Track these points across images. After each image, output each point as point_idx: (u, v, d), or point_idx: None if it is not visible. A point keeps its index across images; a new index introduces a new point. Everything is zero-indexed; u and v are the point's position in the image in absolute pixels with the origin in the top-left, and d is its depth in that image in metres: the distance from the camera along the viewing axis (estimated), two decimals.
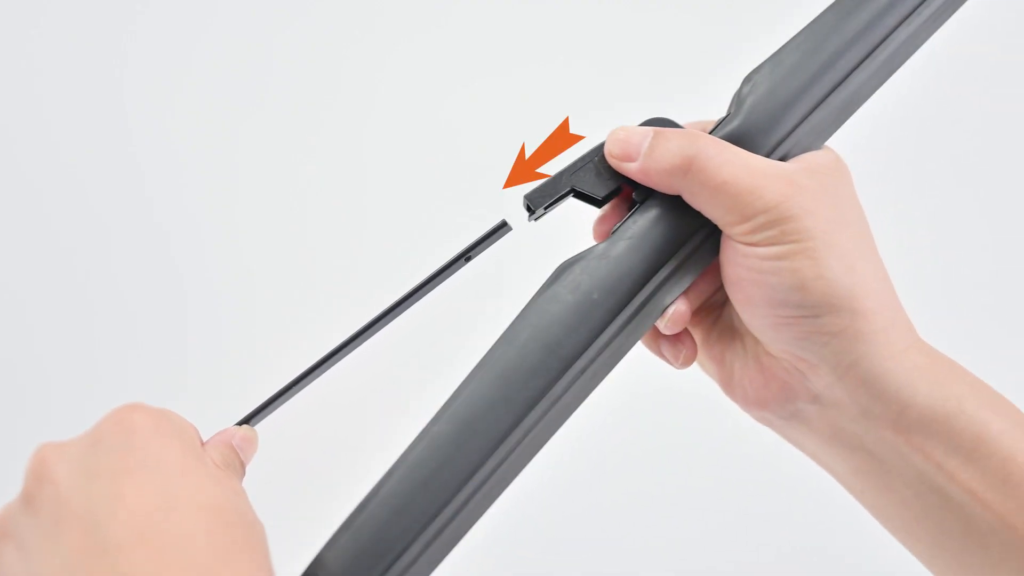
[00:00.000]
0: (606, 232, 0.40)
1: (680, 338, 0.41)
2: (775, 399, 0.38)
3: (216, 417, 0.40)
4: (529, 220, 0.39)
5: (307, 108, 0.93)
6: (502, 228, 0.38)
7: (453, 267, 0.38)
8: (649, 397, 0.76)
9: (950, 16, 0.41)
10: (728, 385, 0.40)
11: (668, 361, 0.41)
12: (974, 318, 0.87)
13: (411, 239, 0.89)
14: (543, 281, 0.38)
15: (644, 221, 0.37)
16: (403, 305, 0.39)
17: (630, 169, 0.37)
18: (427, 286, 0.39)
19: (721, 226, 0.37)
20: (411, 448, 0.35)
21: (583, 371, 0.36)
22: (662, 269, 0.37)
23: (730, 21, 0.92)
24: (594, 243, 0.39)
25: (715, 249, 0.38)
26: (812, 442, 0.39)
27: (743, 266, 0.36)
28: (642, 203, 0.38)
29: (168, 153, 0.92)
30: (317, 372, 0.39)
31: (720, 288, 0.40)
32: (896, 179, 0.90)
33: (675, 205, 0.37)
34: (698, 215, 0.37)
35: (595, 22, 0.94)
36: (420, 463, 0.34)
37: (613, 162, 0.38)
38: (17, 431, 0.86)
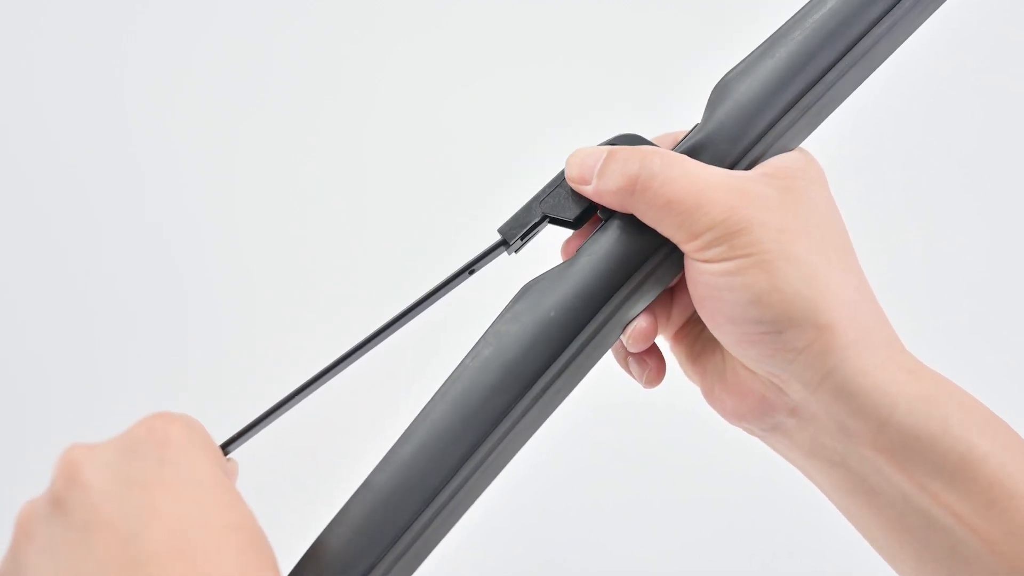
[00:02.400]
0: (573, 252, 0.39)
1: (645, 356, 0.40)
2: (753, 412, 0.37)
3: (213, 422, 0.39)
4: (508, 253, 0.39)
5: (307, 109, 0.93)
6: (501, 246, 0.38)
7: (456, 280, 0.38)
8: (638, 404, 0.76)
9: (932, 12, 0.39)
10: (711, 397, 0.40)
11: (634, 378, 0.41)
12: (972, 322, 0.87)
13: (411, 239, 0.89)
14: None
15: (605, 240, 0.37)
16: (403, 320, 0.39)
17: (587, 191, 0.37)
18: (427, 301, 0.39)
19: (675, 243, 0.36)
20: (375, 471, 0.35)
21: (545, 389, 0.35)
22: (623, 287, 0.36)
23: (732, 21, 0.92)
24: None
25: (678, 266, 0.37)
26: (794, 455, 0.38)
27: (700, 283, 0.35)
28: (605, 221, 0.37)
29: (168, 155, 0.92)
30: (306, 392, 0.38)
31: None
32: (885, 176, 0.90)
33: (636, 222, 0.37)
34: (657, 232, 0.36)
35: (595, 21, 0.94)
36: (383, 485, 0.34)
37: (573, 185, 0.37)
38: (17, 433, 0.86)
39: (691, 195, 0.34)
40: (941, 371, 0.36)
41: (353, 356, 0.38)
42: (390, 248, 0.90)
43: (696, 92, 0.88)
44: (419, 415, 0.36)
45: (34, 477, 0.82)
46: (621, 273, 0.36)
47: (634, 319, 0.37)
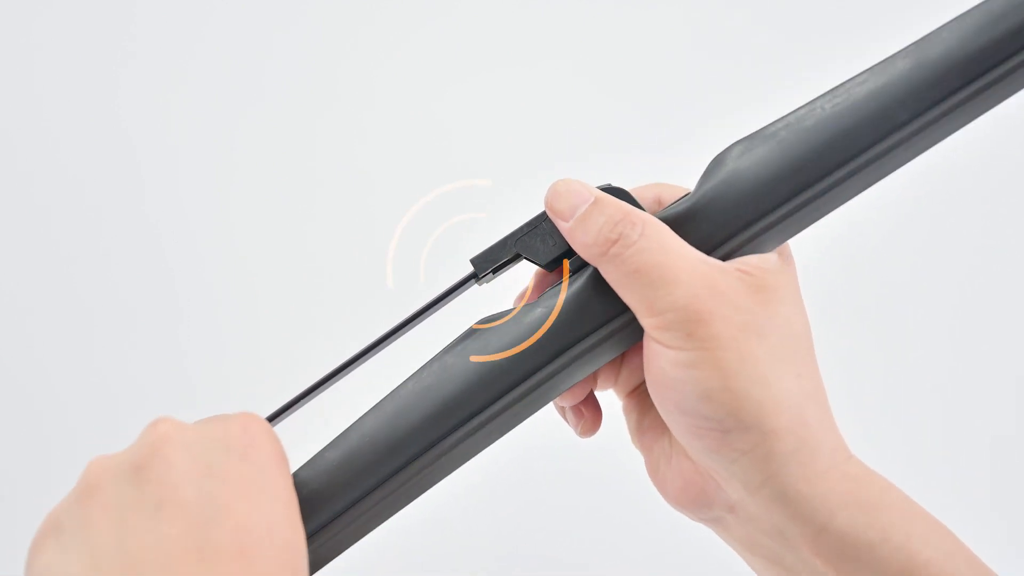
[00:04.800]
0: (540, 285, 0.40)
1: (582, 406, 0.40)
2: (693, 503, 0.37)
3: None
4: (478, 284, 0.39)
5: (311, 111, 0.93)
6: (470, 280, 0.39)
7: (460, 288, 0.39)
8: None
9: (959, 128, 0.36)
10: (654, 477, 0.39)
11: (570, 426, 0.41)
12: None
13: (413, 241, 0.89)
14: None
15: (572, 289, 0.36)
16: (403, 330, 0.39)
17: (561, 227, 0.36)
18: (400, 330, 0.39)
19: (635, 313, 0.35)
20: (302, 468, 0.36)
21: (476, 430, 0.36)
22: (574, 347, 0.36)
23: (754, 75, 0.92)
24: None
25: (636, 336, 0.36)
26: (734, 545, 0.38)
27: (655, 367, 0.35)
28: (573, 273, 0.37)
29: (169, 161, 0.92)
30: (302, 403, 0.39)
31: None
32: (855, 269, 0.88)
33: (601, 284, 0.36)
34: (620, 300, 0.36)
35: (602, 24, 0.94)
36: (305, 483, 0.35)
37: (550, 213, 0.37)
38: (18, 436, 0.88)
39: (660, 270, 0.34)
40: (905, 470, 0.36)
41: (354, 366, 0.39)
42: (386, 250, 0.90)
43: (690, 99, 0.87)
44: (352, 425, 0.36)
45: (37, 477, 0.84)
46: (575, 333, 0.36)
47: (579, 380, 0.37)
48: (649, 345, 0.35)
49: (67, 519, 0.29)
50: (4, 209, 0.91)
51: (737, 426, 0.33)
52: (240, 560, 0.28)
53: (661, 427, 0.39)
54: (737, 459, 0.34)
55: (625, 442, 0.41)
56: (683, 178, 0.41)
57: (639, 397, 0.40)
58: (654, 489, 0.39)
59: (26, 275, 0.90)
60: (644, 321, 0.34)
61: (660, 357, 0.34)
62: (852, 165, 0.35)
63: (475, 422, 0.36)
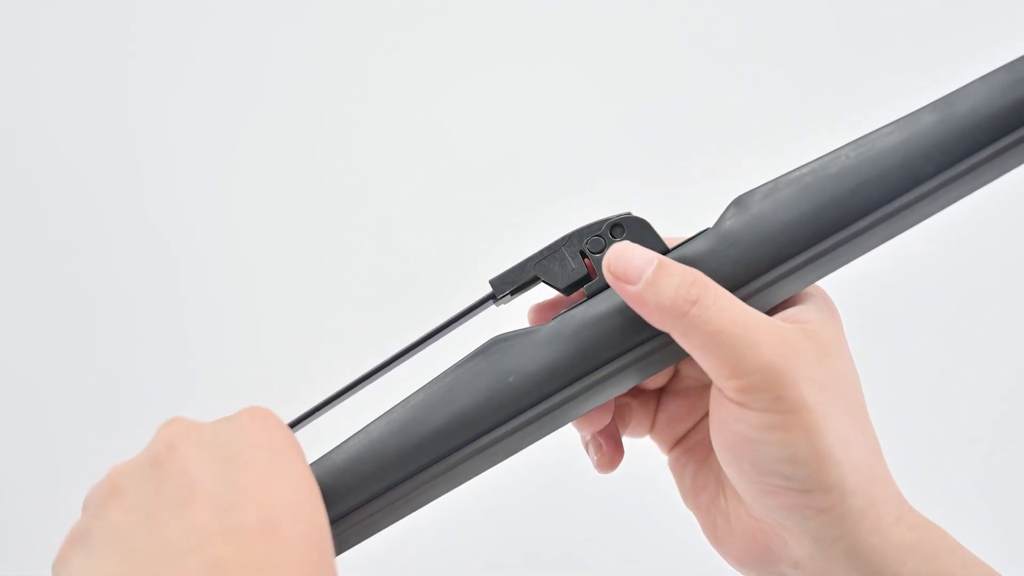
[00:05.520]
0: (551, 315, 0.40)
1: (603, 440, 0.40)
2: (757, 561, 0.37)
3: None
4: (495, 305, 0.39)
5: (313, 111, 0.93)
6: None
7: (478, 308, 0.39)
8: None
9: (990, 182, 0.36)
10: (712, 537, 0.39)
11: (588, 457, 0.41)
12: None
13: (421, 249, 0.90)
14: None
15: (587, 320, 0.36)
16: (418, 348, 0.39)
17: (627, 291, 0.35)
18: (413, 350, 0.39)
19: (712, 377, 0.34)
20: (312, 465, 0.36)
21: (484, 448, 0.36)
22: (592, 374, 0.36)
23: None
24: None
25: (662, 363, 0.36)
26: None
27: (731, 429, 0.34)
28: (591, 296, 0.37)
29: (175, 164, 0.92)
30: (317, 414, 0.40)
31: (703, 420, 0.40)
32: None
33: (624, 309, 0.36)
34: (645, 328, 0.35)
35: (614, 30, 0.95)
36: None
37: (609, 277, 0.35)
38: (22, 438, 0.86)
39: (744, 331, 0.33)
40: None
41: (362, 384, 0.39)
42: (395, 257, 0.90)
43: (686, 107, 0.87)
44: (361, 430, 0.36)
45: (41, 478, 0.82)
46: (595, 360, 0.36)
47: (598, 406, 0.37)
48: (724, 406, 0.34)
49: (92, 526, 0.30)
50: (7, 211, 0.90)
51: (819, 487, 0.33)
52: (269, 537, 0.28)
53: (716, 486, 0.39)
54: (812, 516, 0.34)
55: (643, 454, 0.41)
56: (702, 214, 0.41)
57: (690, 451, 0.40)
58: (670, 496, 0.39)
59: (29, 278, 0.90)
60: (724, 383, 0.34)
61: (739, 420, 0.34)
62: (875, 215, 0.35)
63: (485, 440, 0.36)
